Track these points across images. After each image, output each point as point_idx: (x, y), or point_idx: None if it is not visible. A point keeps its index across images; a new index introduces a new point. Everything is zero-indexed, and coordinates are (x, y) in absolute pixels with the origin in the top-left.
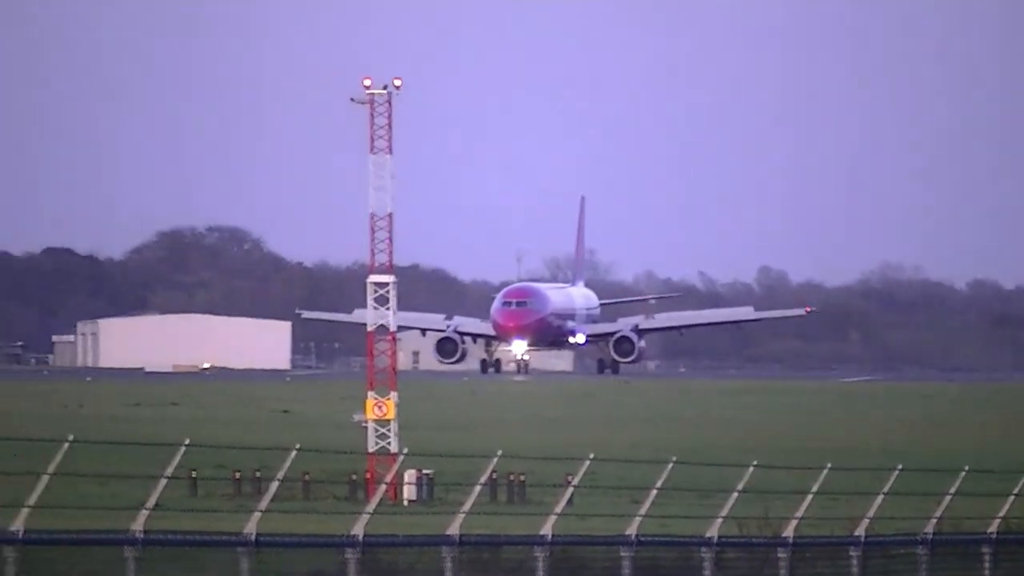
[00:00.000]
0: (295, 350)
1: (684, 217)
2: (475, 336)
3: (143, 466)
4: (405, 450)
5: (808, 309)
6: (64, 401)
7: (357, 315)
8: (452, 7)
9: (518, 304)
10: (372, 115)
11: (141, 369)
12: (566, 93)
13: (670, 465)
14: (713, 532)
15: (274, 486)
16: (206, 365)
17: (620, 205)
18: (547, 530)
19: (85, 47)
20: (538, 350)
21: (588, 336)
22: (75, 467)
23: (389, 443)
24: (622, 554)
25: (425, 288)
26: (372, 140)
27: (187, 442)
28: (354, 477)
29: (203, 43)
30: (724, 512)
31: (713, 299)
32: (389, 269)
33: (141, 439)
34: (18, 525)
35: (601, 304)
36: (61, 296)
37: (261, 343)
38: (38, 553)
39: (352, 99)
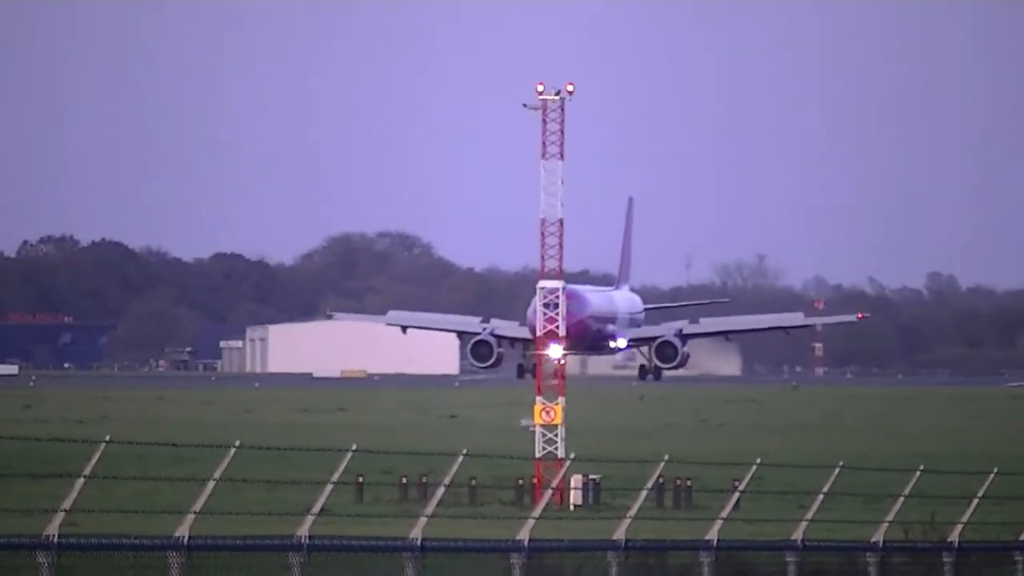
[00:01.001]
0: (464, 355)
1: (855, 222)
2: (512, 340)
3: (310, 472)
4: (572, 455)
5: (860, 315)
6: (232, 407)
7: (391, 316)
8: (621, 13)
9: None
10: (544, 121)
11: (309, 375)
12: (726, 93)
13: (836, 470)
14: (879, 537)
15: (440, 491)
16: (369, 371)
17: (793, 209)
18: (713, 535)
19: (266, 54)
20: (576, 354)
21: (630, 341)
22: (242, 473)
23: (556, 448)
24: (787, 559)
25: None
26: (544, 145)
27: (354, 447)
28: (521, 482)
29: (378, 51)
30: (890, 517)
31: (882, 304)
32: (559, 274)
33: (308, 445)
34: (183, 531)
35: (645, 309)
36: (230, 302)
37: (430, 349)
38: (203, 559)
39: (525, 105)
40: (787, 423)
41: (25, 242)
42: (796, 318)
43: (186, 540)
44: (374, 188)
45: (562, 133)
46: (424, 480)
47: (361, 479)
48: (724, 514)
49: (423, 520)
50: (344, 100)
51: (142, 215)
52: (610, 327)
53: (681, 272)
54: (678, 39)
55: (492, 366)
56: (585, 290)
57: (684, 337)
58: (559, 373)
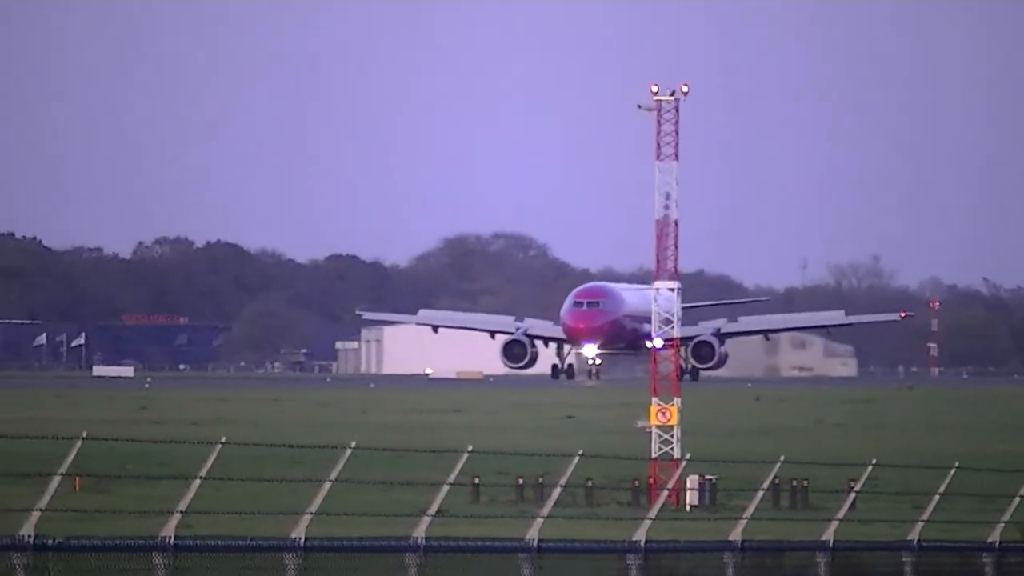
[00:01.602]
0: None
1: (970, 223)
2: (545, 339)
3: (425, 473)
4: (688, 455)
5: (903, 314)
6: (347, 408)
7: (422, 315)
8: (735, 12)
9: (589, 304)
10: (659, 122)
11: (425, 375)
12: (839, 93)
13: (952, 470)
14: (995, 537)
15: (556, 492)
16: (485, 372)
17: (909, 210)
18: (829, 535)
19: (380, 55)
20: (612, 354)
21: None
22: (358, 474)
23: (672, 449)
24: (904, 559)
25: (709, 294)
26: (659, 147)
27: (470, 449)
28: (637, 483)
29: (495, 50)
30: (1006, 517)
31: (996, 304)
32: (674, 275)
33: (424, 446)
34: (299, 532)
35: (684, 308)
36: (345, 303)
37: (545, 350)
38: (319, 560)
39: (639, 106)
40: (902, 423)
41: (140, 243)
42: (837, 316)
43: (302, 541)
44: (489, 189)
45: (676, 134)
46: (540, 481)
47: (477, 480)
48: (840, 515)
49: (539, 521)
50: (460, 101)
51: (257, 216)
52: (646, 326)
53: (796, 273)
54: (791, 39)
55: (526, 366)
56: (620, 288)
57: (722, 336)
58: (675, 373)
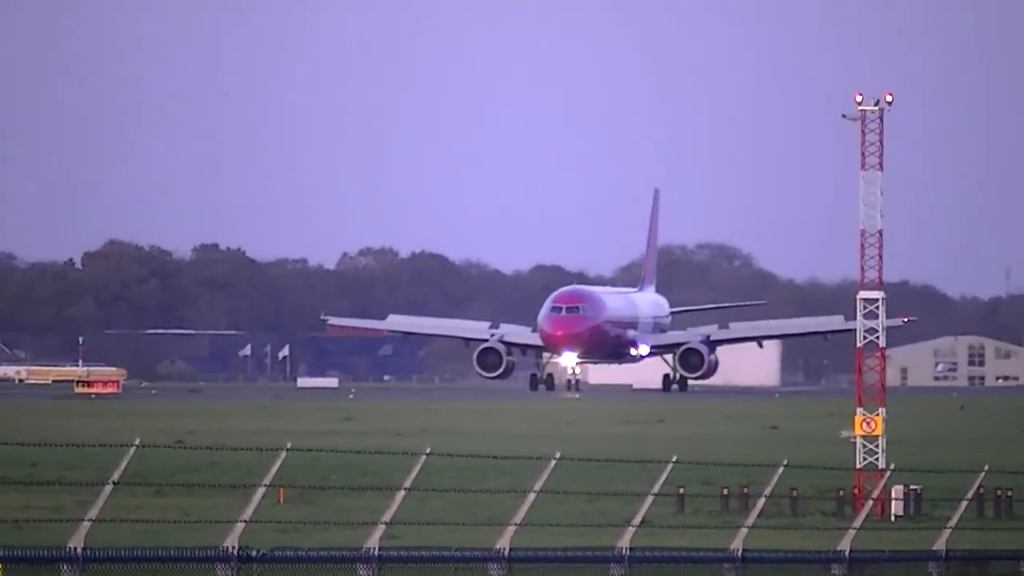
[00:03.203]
0: (784, 368)
1: None
2: (523, 347)
3: (630, 483)
4: (892, 465)
5: (906, 319)
6: (553, 419)
7: (391, 321)
8: (939, 18)
9: (568, 310)
10: (863, 131)
11: (629, 386)
12: None
13: None
14: None
15: (761, 502)
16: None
17: None
18: None
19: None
20: (594, 362)
21: (652, 347)
22: (562, 485)
23: (876, 459)
24: None
25: (913, 304)
26: (863, 156)
27: (674, 458)
28: (841, 493)
29: (701, 57)
30: None
31: None
32: (879, 285)
33: (628, 456)
34: (503, 543)
35: (672, 312)
36: None
37: (750, 361)
38: (523, 572)
39: (843, 116)
40: None
41: (344, 254)
42: (835, 322)
43: (507, 552)
44: (693, 199)
45: (881, 144)
46: (745, 491)
47: (682, 490)
48: None
49: (744, 531)
50: (664, 108)
51: (462, 226)
52: (631, 333)
53: (1000, 282)
54: (996, 43)
55: (501, 376)
56: (602, 292)
57: (712, 343)
58: (880, 383)
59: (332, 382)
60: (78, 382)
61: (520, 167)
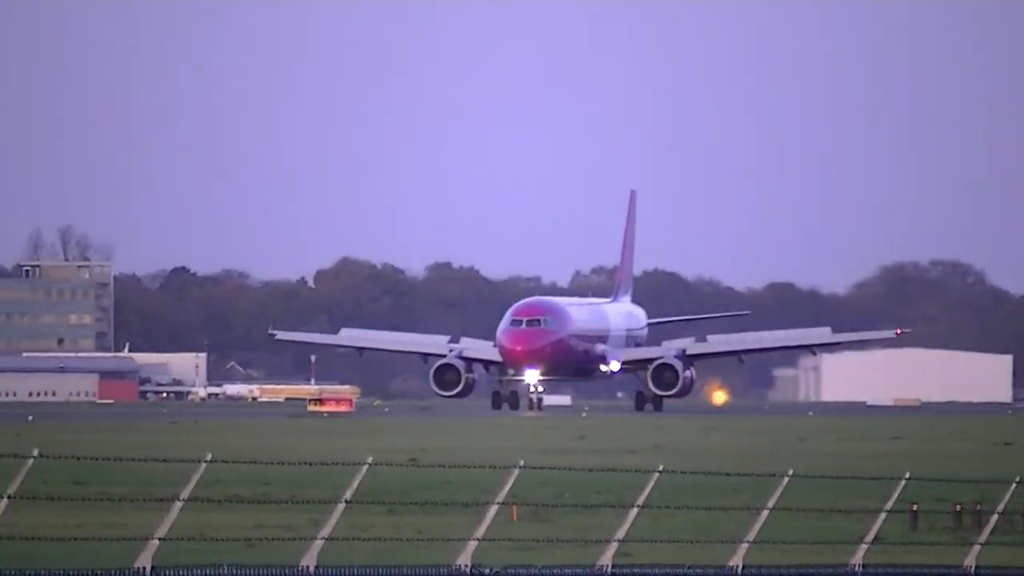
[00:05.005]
0: (1017, 383)
1: None
2: (484, 363)
3: (863, 500)
4: None
5: (899, 331)
6: (784, 435)
7: (343, 335)
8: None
9: (529, 323)
10: None
11: (863, 403)
12: None
13: None
14: None
15: (994, 519)
16: (923, 399)
17: None
18: None
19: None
20: (559, 379)
21: (623, 363)
22: (795, 501)
23: None
24: None
25: None
26: None
27: (907, 476)
28: None
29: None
30: None
31: None
32: None
33: (861, 473)
34: (736, 560)
35: (648, 324)
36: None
37: (980, 376)
38: None
39: None
40: None
41: (577, 272)
42: (823, 334)
43: (739, 570)
44: (925, 215)
45: None
46: (978, 507)
47: (915, 507)
48: None
49: (976, 548)
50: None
51: (694, 243)
52: (600, 347)
53: None
54: None
55: (460, 394)
56: (567, 303)
57: (688, 359)
58: None
59: (565, 400)
60: (311, 400)
61: (763, 184)
